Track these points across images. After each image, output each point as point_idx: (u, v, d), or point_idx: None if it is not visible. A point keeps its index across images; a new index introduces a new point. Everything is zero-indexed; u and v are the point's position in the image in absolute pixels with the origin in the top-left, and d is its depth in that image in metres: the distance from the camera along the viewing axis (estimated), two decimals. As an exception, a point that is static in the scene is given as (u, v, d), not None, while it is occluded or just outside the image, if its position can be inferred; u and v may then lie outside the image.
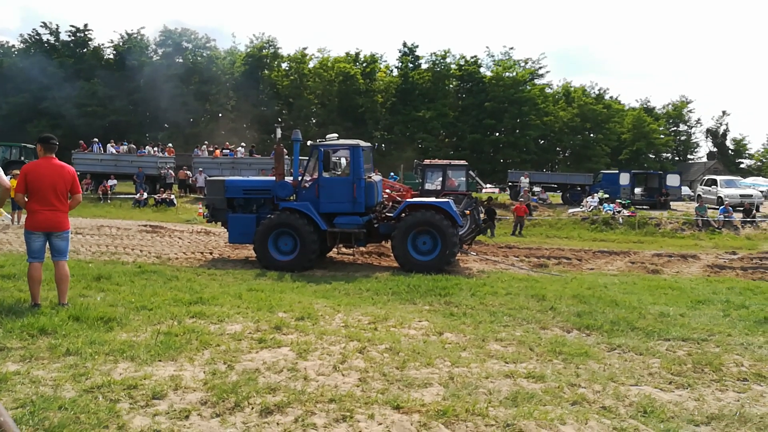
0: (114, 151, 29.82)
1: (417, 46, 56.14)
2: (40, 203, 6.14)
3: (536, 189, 30.66)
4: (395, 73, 56.73)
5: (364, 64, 55.20)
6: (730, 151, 65.75)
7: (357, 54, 55.82)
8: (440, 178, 19.53)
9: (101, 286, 7.84)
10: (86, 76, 49.31)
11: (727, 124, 67.16)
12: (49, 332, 5.29)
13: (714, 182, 28.68)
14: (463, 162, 21.14)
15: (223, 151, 31.19)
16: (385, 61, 58.00)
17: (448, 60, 55.48)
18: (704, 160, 65.01)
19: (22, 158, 28.17)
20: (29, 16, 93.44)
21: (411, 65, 55.46)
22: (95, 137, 31.93)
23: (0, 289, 7.22)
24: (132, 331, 5.60)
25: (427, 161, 21.66)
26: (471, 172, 22.01)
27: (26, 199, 6.21)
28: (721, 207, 23.52)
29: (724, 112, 69.79)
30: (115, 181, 27.82)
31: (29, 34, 54.10)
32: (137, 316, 6.18)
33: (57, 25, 53.71)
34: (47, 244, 6.34)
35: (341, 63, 53.25)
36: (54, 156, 6.32)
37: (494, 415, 3.93)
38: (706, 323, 7.05)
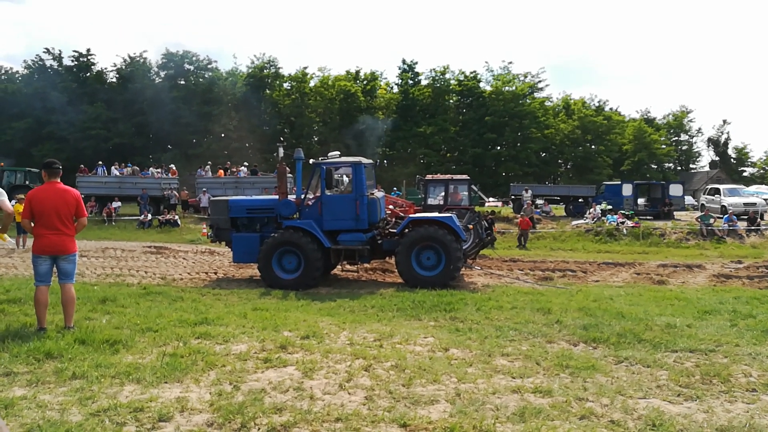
0: (118, 174, 30.01)
1: (416, 63, 56.51)
2: (45, 227, 6.21)
3: (539, 201, 30.67)
4: (395, 89, 57.05)
5: (365, 82, 55.59)
6: (732, 160, 65.74)
7: (357, 72, 56.24)
8: (443, 193, 19.57)
9: (106, 309, 7.86)
10: (90, 100, 49.69)
11: (728, 133, 67.29)
12: (56, 356, 5.30)
13: (717, 191, 28.64)
14: (465, 176, 21.20)
15: (233, 170, 31.36)
16: (386, 78, 58.45)
17: (447, 76, 55.79)
18: (706, 169, 65.01)
19: (27, 182, 28.35)
20: (33, 41, 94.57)
21: (411, 82, 55.78)
22: (99, 160, 32.15)
23: (6, 314, 7.25)
24: (138, 353, 5.60)
25: (429, 176, 21.70)
26: (473, 186, 22.05)
27: (32, 224, 6.28)
28: (725, 216, 23.45)
29: (725, 121, 69.83)
30: (119, 203, 27.96)
31: (32, 60, 54.67)
32: (143, 338, 6.18)
33: (60, 50, 54.25)
34: (54, 267, 6.39)
35: (342, 81, 53.63)
36: (58, 180, 6.39)
37: (502, 431, 3.91)
38: (713, 334, 7.01)
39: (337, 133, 49.29)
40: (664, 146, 58.90)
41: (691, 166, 66.85)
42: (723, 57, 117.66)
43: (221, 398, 4.41)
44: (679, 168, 65.26)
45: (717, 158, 66.13)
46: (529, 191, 29.10)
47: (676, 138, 65.06)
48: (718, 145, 66.79)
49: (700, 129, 66.94)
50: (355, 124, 44.95)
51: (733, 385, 5.09)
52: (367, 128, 43.15)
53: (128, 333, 6.30)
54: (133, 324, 6.79)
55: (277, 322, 7.23)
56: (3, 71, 56.85)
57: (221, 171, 31.51)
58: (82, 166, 31.34)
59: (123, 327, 6.64)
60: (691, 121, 65.32)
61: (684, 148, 65.86)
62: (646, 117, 63.71)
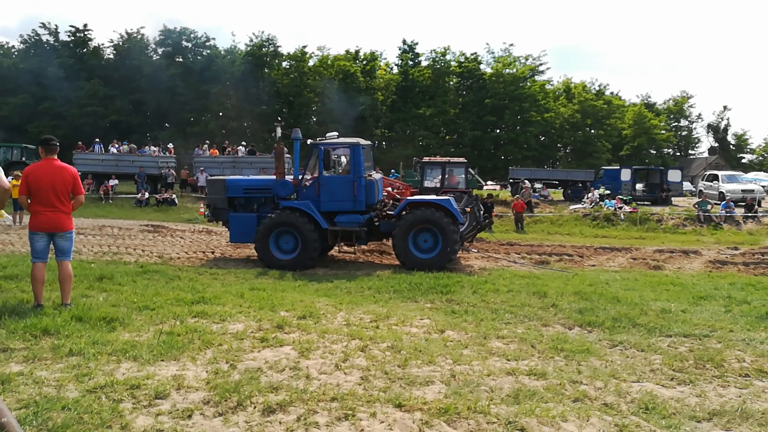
0: (115, 151, 29.86)
1: (417, 44, 56.11)
2: (42, 204, 6.18)
3: (537, 185, 30.65)
4: (395, 70, 56.69)
5: (364, 62, 55.17)
6: (731, 146, 65.63)
7: (357, 52, 55.79)
8: (440, 176, 19.54)
9: (103, 287, 7.86)
10: (87, 76, 49.25)
11: (728, 119, 67.05)
12: (52, 333, 5.31)
13: (715, 177, 28.64)
14: (462, 159, 21.18)
15: (229, 150, 31.23)
16: (385, 58, 58.09)
17: (448, 57, 55.42)
18: (705, 155, 64.87)
19: (24, 159, 28.21)
20: (29, 16, 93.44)
21: (411, 63, 55.40)
22: (96, 137, 31.96)
23: (3, 290, 7.25)
24: (134, 331, 5.61)
25: (426, 158, 21.64)
26: (470, 170, 22.04)
27: (29, 201, 6.25)
28: (723, 202, 23.49)
29: (725, 107, 69.61)
30: (116, 181, 27.85)
31: (29, 35, 54.07)
32: (140, 316, 6.19)
33: (56, 26, 53.65)
34: (51, 244, 6.38)
35: (341, 61, 53.21)
36: (55, 157, 6.34)
37: (496, 412, 3.94)
38: (707, 319, 7.06)
39: (335, 113, 49.02)
40: (663, 132, 58.75)
41: (690, 152, 66.80)
42: (725, 43, 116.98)
43: (218, 377, 4.43)
44: (678, 154, 65.20)
45: (716, 144, 65.97)
46: (526, 182, 29.00)
47: (676, 123, 64.92)
48: (717, 131, 66.63)
49: (700, 115, 67.07)
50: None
51: (726, 370, 5.13)
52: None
53: (125, 311, 6.31)
54: (130, 302, 6.79)
55: (274, 302, 7.25)
56: (-2, 46, 56.27)
57: (214, 149, 31.34)
58: (80, 143, 31.16)
59: (120, 305, 6.64)
60: (691, 106, 65.30)
61: (684, 133, 65.78)
62: (646, 102, 63.46)
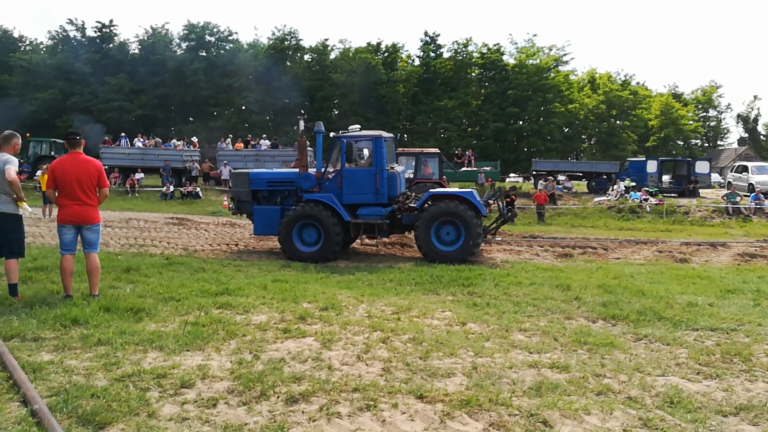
0: (141, 145, 30.33)
1: (438, 35, 55.51)
2: (69, 198, 6.31)
3: (561, 177, 30.30)
4: (417, 62, 56.25)
5: (386, 54, 54.90)
6: (761, 137, 63.97)
7: (378, 44, 55.54)
8: (413, 167, 19.37)
9: (130, 278, 8.01)
10: (113, 72, 49.97)
11: (758, 109, 65.53)
12: (81, 323, 5.44)
13: (745, 169, 27.98)
14: (435, 150, 21.06)
15: (252, 143, 31.52)
16: (407, 50, 57.57)
17: (470, 48, 54.69)
18: (735, 146, 63.41)
19: (52, 153, 28.81)
20: (57, 13, 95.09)
21: (432, 54, 54.88)
22: (123, 131, 32.47)
23: (34, 281, 7.44)
24: (160, 321, 5.72)
25: (400, 149, 21.57)
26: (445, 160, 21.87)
27: (56, 194, 6.38)
28: (753, 194, 22.94)
29: (755, 97, 67.84)
30: (142, 175, 28.32)
31: (56, 31, 55.03)
32: (165, 306, 6.30)
33: (83, 21, 54.48)
34: (79, 236, 6.52)
35: (363, 53, 53.03)
36: (80, 151, 6.46)
37: (518, 404, 3.93)
38: (735, 313, 6.91)
39: (357, 106, 49.00)
40: (691, 122, 57.40)
41: (718, 142, 65.22)
42: (754, 31, 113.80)
43: (241, 367, 4.49)
44: (707, 145, 63.72)
45: (746, 135, 64.40)
46: (548, 181, 28.62)
47: (705, 114, 63.40)
48: (747, 121, 65.00)
49: (729, 105, 65.52)
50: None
51: (754, 364, 5.03)
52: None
53: (151, 302, 6.43)
54: (156, 293, 6.91)
55: (297, 293, 7.31)
56: (27, 42, 57.37)
57: (240, 143, 31.65)
58: (107, 137, 31.70)
59: (146, 296, 6.77)
60: (720, 96, 63.55)
61: (712, 124, 64.21)
62: (674, 92, 62.06)
